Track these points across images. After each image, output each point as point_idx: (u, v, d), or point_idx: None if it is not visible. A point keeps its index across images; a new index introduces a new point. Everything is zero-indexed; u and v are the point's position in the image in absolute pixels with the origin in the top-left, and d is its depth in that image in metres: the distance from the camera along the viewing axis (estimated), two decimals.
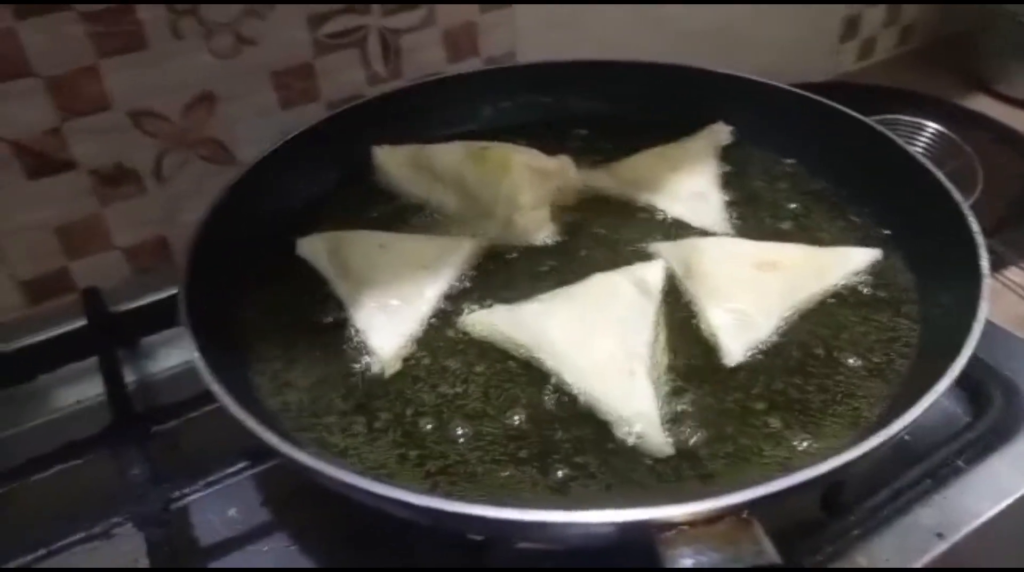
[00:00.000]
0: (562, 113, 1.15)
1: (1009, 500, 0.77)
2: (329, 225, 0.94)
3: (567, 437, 0.70)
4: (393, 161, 1.03)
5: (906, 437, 0.83)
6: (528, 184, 0.95)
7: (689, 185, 0.98)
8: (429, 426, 0.72)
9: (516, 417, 0.72)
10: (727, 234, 0.93)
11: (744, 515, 0.54)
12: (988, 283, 0.72)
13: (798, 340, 0.79)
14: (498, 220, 0.93)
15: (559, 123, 1.13)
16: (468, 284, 0.87)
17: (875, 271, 0.86)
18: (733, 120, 1.08)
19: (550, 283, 0.86)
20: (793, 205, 0.98)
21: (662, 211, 0.97)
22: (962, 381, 0.86)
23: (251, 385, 0.76)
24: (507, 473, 0.67)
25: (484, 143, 1.01)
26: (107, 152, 1.01)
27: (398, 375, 0.77)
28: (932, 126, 1.26)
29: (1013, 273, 1.13)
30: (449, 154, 1.01)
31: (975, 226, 0.78)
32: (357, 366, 0.78)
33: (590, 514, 0.53)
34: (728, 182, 1.02)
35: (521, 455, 0.69)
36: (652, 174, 1.00)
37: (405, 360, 0.79)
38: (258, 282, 0.88)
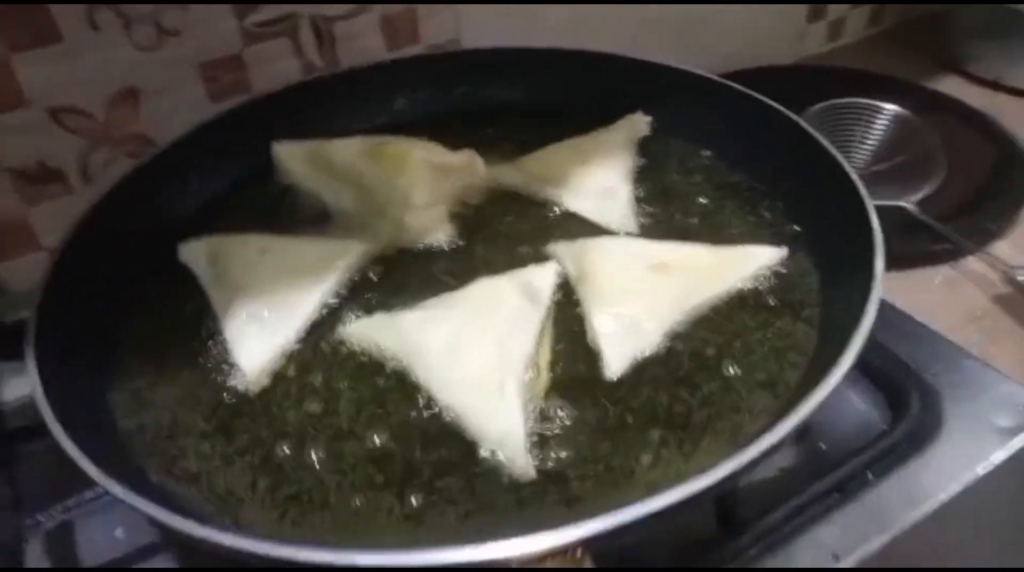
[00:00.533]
0: (480, 104, 1.10)
1: (916, 517, 0.73)
2: (221, 229, 0.89)
3: (430, 459, 0.67)
4: (293, 158, 0.99)
5: (822, 446, 0.81)
6: (425, 181, 0.90)
7: (599, 179, 0.93)
8: (287, 449, 0.68)
9: (379, 437, 0.68)
10: (630, 233, 0.88)
11: (577, 553, 0.50)
12: (880, 283, 0.68)
13: (690, 348, 0.75)
14: (392, 220, 0.89)
15: (475, 115, 1.08)
16: (350, 291, 0.83)
17: (780, 272, 0.82)
18: (653, 110, 1.03)
19: (441, 288, 0.81)
20: (705, 200, 0.93)
21: (566, 208, 0.92)
22: (881, 384, 0.84)
23: (108, 405, 0.72)
24: (359, 501, 0.64)
25: (384, 138, 0.97)
26: (27, 150, 0.97)
27: (265, 392, 0.73)
28: (892, 108, 1.21)
29: (972, 262, 1.09)
30: (347, 150, 0.96)
31: (874, 220, 0.73)
32: (223, 383, 0.74)
33: (369, 557, 0.49)
34: (642, 176, 0.97)
35: (378, 480, 0.65)
36: (561, 168, 0.95)
37: (274, 376, 0.75)
38: (136, 294, 0.83)
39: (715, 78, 0.99)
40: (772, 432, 0.57)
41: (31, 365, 0.66)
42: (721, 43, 1.41)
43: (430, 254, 0.87)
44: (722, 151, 0.99)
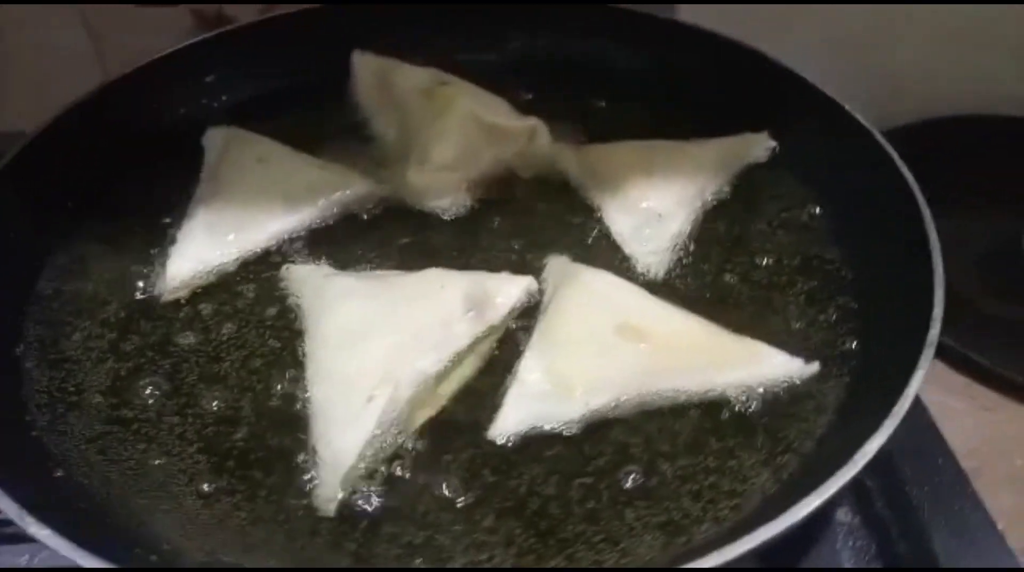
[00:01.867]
0: (596, 66, 0.94)
1: None
2: (255, 126, 0.84)
3: (255, 443, 0.59)
4: (365, 70, 0.91)
5: None
6: (456, 138, 0.80)
7: (656, 199, 0.76)
8: (152, 368, 0.64)
9: (223, 401, 0.62)
10: (650, 276, 0.72)
11: None
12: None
13: (614, 442, 0.59)
14: (403, 170, 0.79)
15: (587, 79, 0.93)
16: (319, 231, 0.75)
17: (789, 391, 0.62)
18: (781, 134, 0.82)
19: (403, 261, 0.72)
20: (773, 267, 0.73)
21: (601, 219, 0.77)
22: None
23: (42, 263, 0.71)
24: (163, 460, 0.58)
25: (451, 79, 0.86)
26: None
27: (173, 304, 0.69)
28: None
29: None
30: (412, 78, 0.87)
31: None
32: (147, 276, 0.71)
33: None
34: (720, 210, 0.79)
35: (193, 441, 0.59)
36: (622, 171, 0.79)
37: (194, 291, 0.70)
38: (132, 174, 0.80)
39: (863, 123, 0.76)
40: None
41: None
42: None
43: (424, 219, 0.77)
44: (835, 214, 0.77)
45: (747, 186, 0.81)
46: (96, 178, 0.78)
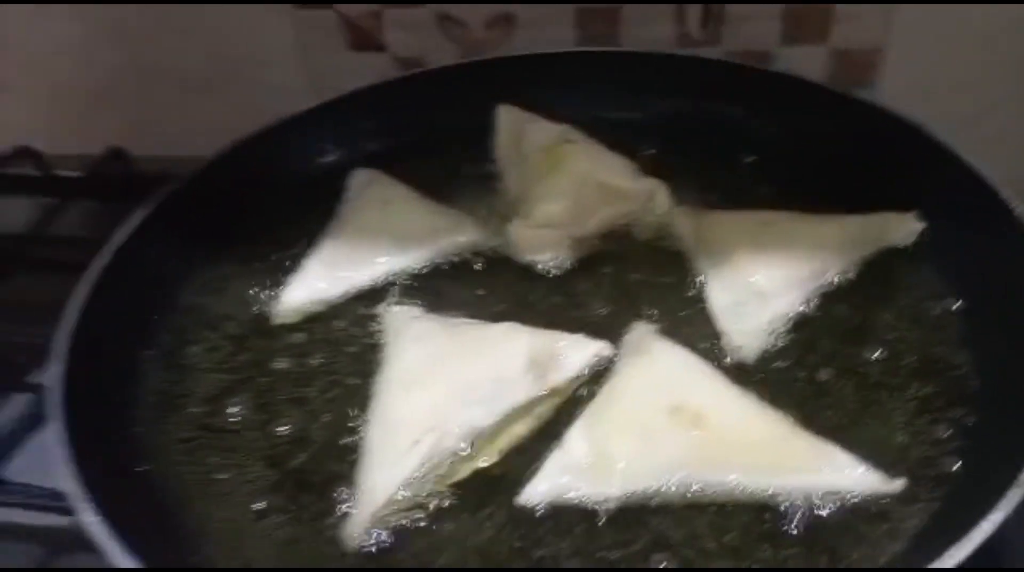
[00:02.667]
0: (738, 129, 0.91)
1: None
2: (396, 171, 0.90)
3: (312, 467, 0.63)
4: (506, 123, 0.94)
5: None
6: (568, 195, 0.80)
7: (760, 275, 0.72)
8: (249, 384, 0.70)
9: (296, 425, 0.67)
10: (739, 360, 0.67)
11: None
12: None
13: (653, 528, 0.56)
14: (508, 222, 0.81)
15: (728, 143, 0.90)
16: (422, 273, 0.79)
17: (870, 508, 0.55)
18: (929, 218, 0.74)
19: (488, 312, 0.74)
20: (885, 359, 0.66)
21: (703, 292, 0.73)
22: None
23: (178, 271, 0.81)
24: (228, 476, 0.64)
25: (578, 135, 0.87)
26: (411, 45, 1.03)
27: (282, 328, 0.76)
28: None
29: None
30: (541, 134, 0.89)
31: None
32: (266, 299, 0.78)
33: None
34: (840, 295, 0.72)
35: (261, 458, 0.64)
36: (733, 241, 0.75)
37: (306, 319, 0.76)
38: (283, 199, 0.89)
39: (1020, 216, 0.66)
40: None
41: None
42: None
43: (525, 273, 0.78)
44: (974, 313, 0.68)
45: (879, 272, 0.74)
46: (249, 210, 0.86)
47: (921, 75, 0.95)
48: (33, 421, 0.75)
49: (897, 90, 0.95)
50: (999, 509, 0.47)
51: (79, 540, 0.52)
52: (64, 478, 0.55)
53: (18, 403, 0.78)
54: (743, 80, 0.91)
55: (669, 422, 0.59)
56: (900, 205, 0.76)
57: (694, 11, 0.95)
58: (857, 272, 0.74)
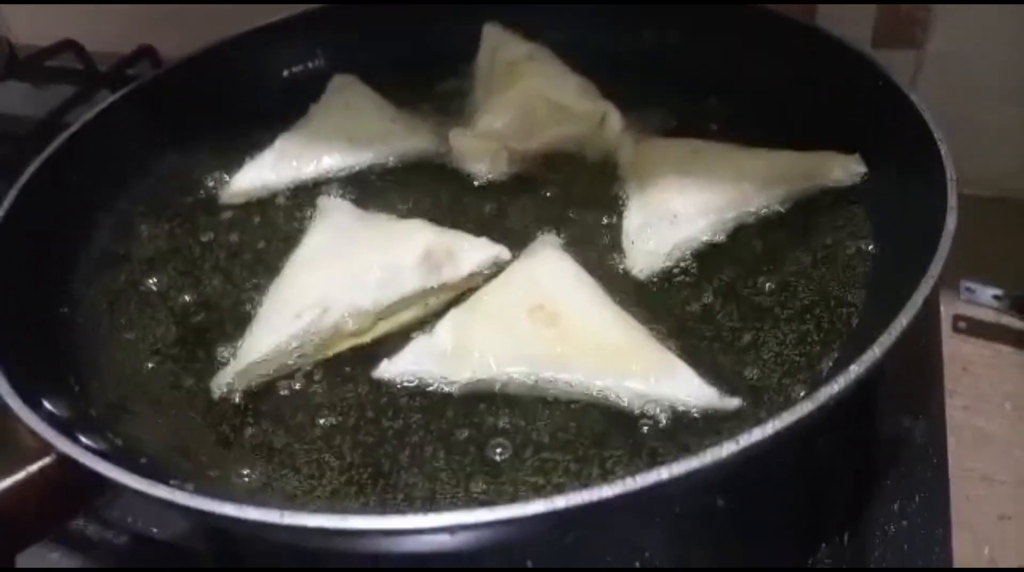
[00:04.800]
0: (719, 67, 0.88)
1: None
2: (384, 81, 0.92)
3: (210, 326, 0.69)
4: (488, 40, 0.95)
5: None
6: (513, 110, 0.81)
7: (675, 200, 0.71)
8: (184, 252, 0.76)
9: (195, 293, 0.72)
10: (628, 272, 0.67)
11: None
12: None
13: (495, 412, 0.58)
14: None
15: (707, 78, 0.87)
16: (364, 174, 0.82)
17: (707, 420, 0.55)
18: (876, 159, 0.71)
19: (418, 214, 0.76)
20: (778, 292, 0.64)
21: (618, 214, 0.73)
22: None
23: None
24: (137, 326, 0.69)
25: (545, 54, 0.88)
26: None
27: (226, 207, 0.81)
28: None
29: None
30: (510, 51, 0.90)
31: None
32: (217, 178, 0.83)
33: None
34: (763, 228, 0.71)
35: (173, 321, 0.70)
36: (661, 167, 0.74)
37: (249, 202, 0.81)
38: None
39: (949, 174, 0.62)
40: None
41: None
42: None
43: (462, 181, 0.80)
44: (888, 255, 0.65)
45: (811, 210, 0.72)
46: (231, 106, 0.91)
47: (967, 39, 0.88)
48: None
49: (947, 50, 0.89)
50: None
51: None
52: None
53: None
54: (727, 16, 0.88)
55: (528, 319, 0.60)
56: (848, 147, 0.73)
57: None
58: (788, 208, 0.72)
